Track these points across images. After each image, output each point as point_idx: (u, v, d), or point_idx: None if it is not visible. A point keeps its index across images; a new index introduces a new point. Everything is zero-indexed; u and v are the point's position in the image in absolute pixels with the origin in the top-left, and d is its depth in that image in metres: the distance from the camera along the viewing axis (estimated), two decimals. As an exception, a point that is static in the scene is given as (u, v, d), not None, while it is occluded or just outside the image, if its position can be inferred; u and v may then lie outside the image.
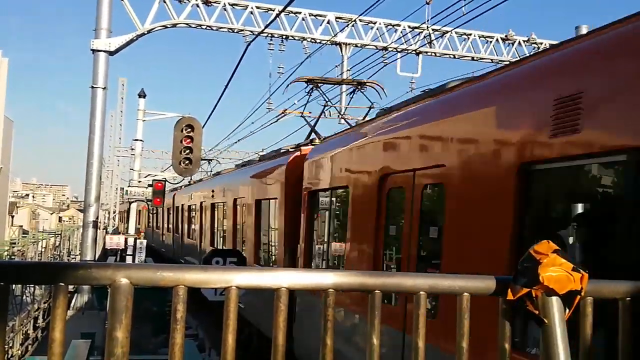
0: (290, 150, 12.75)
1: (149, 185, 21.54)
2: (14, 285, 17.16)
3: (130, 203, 23.80)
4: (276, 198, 11.90)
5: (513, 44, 21.74)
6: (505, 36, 21.60)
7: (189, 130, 15.06)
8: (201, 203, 20.77)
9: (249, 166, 16.22)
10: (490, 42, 21.59)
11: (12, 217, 69.70)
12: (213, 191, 19.09)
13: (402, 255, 6.49)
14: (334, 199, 9.24)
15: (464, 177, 5.25)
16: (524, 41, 21.76)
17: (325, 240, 9.51)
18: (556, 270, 1.93)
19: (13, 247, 22.31)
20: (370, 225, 7.03)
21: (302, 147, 11.70)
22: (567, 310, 1.99)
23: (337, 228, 9.13)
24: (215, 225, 18.97)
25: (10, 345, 15.98)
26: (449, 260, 5.31)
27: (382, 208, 6.92)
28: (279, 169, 11.95)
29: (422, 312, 2.02)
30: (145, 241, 21.96)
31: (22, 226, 71.62)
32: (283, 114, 24.11)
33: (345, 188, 8.31)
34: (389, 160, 6.98)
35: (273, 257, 12.60)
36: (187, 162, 15.12)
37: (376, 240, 6.93)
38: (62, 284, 1.78)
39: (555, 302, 1.96)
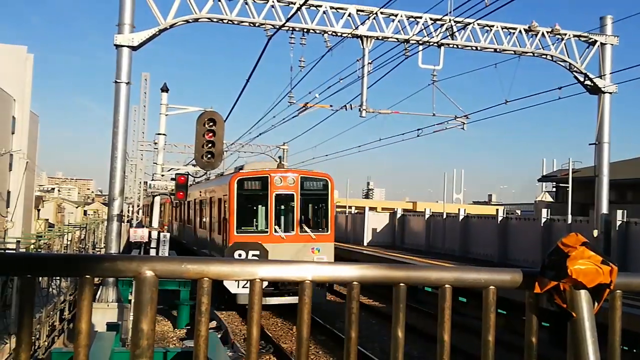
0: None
1: (172, 179, 21.69)
2: (40, 278, 17.39)
3: (153, 196, 24.00)
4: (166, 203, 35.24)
5: (536, 35, 21.42)
6: (529, 27, 21.27)
7: (211, 124, 15.14)
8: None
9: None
10: (513, 33, 21.29)
11: (39, 210, 70.69)
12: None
13: (195, 219, 28.88)
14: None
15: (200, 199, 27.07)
16: (547, 32, 21.42)
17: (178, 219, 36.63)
18: (585, 263, 1.90)
19: (40, 240, 22.61)
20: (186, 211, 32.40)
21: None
22: (596, 304, 1.95)
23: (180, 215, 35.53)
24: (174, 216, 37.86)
25: (37, 336, 16.21)
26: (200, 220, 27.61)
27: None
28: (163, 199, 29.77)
29: (447, 306, 2.00)
30: (168, 234, 22.11)
31: (48, 219, 72.56)
32: (304, 108, 24.10)
33: (181, 202, 32.37)
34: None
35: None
36: (209, 155, 15.21)
37: (188, 216, 32.12)
38: (88, 276, 1.79)
39: (583, 296, 1.93)
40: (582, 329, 1.91)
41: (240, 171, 21.47)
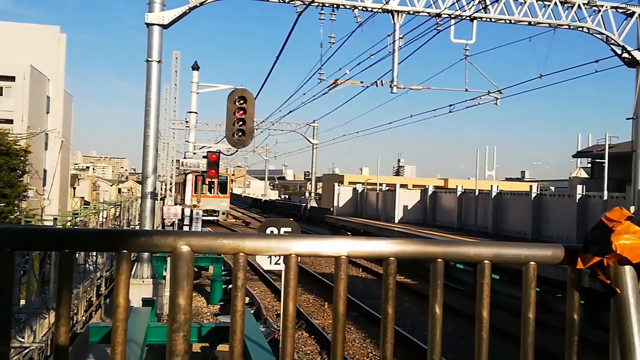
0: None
1: (204, 157, 21.88)
2: (77, 254, 17.79)
3: (185, 174, 24.26)
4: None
5: (572, 7, 20.89)
6: (565, -1, 20.76)
7: (242, 102, 15.14)
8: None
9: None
10: (548, 5, 20.78)
11: (74, 188, 72.12)
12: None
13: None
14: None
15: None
16: (583, 4, 20.86)
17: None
18: (630, 238, 1.84)
19: (76, 217, 23.08)
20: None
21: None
22: (642, 280, 1.90)
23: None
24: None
25: (75, 312, 16.62)
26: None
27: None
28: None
29: (486, 282, 1.96)
30: (201, 211, 22.38)
31: (83, 197, 74.07)
32: (334, 85, 24.01)
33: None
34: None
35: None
36: (240, 133, 15.25)
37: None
38: (125, 251, 1.80)
39: (628, 272, 1.87)
40: (627, 306, 1.86)
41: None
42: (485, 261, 1.95)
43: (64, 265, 1.81)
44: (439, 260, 1.93)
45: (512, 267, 18.62)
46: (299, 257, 1.93)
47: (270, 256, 8.73)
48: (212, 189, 49.96)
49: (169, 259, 19.74)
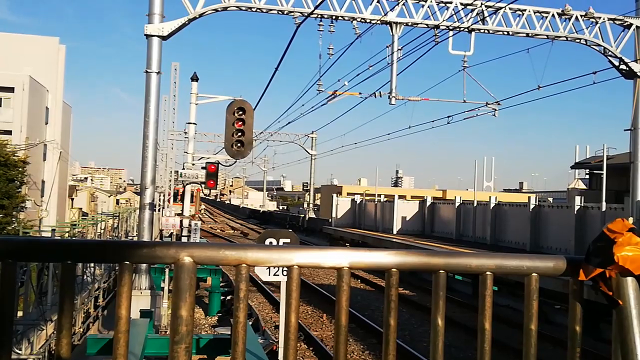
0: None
1: (203, 168, 21.87)
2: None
3: (184, 185, 24.24)
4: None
5: (570, 19, 20.98)
6: (562, 11, 20.84)
7: (241, 113, 15.15)
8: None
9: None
10: (546, 17, 20.88)
11: (72, 199, 71.99)
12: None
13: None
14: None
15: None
16: (581, 16, 20.96)
17: None
18: (632, 249, 1.84)
19: (74, 228, 23.01)
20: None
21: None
22: (644, 292, 1.89)
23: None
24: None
25: (73, 323, 16.56)
26: None
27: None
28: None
29: (488, 293, 1.96)
30: (199, 222, 22.35)
31: (81, 208, 73.95)
32: (333, 96, 24.04)
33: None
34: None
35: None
36: (239, 144, 15.24)
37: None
38: (127, 262, 1.79)
39: (630, 283, 1.88)
40: (629, 317, 1.86)
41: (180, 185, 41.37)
42: (488, 272, 1.95)
43: (66, 277, 1.81)
44: (441, 271, 1.93)
45: (512, 279, 18.57)
46: (301, 269, 1.93)
47: (269, 267, 8.73)
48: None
49: (167, 270, 19.60)
